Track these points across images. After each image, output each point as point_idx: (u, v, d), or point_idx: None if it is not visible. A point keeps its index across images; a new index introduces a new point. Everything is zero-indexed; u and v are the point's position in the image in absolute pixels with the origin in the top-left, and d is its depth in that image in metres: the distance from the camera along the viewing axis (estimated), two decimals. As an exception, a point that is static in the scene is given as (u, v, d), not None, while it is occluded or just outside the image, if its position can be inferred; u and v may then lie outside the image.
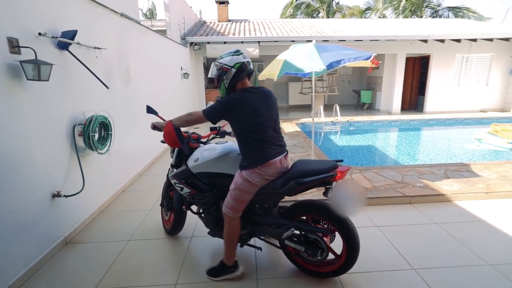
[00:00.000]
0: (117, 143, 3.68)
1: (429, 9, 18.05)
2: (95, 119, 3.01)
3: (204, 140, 2.59)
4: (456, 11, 17.24)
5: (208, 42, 9.28)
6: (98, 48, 3.36)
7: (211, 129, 2.61)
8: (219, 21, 12.67)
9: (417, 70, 11.38)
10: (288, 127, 8.25)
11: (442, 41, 9.73)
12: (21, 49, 2.24)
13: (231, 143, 2.29)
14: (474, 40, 9.78)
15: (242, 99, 1.90)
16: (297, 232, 2.04)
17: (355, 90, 12.97)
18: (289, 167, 2.03)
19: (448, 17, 17.13)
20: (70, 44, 2.76)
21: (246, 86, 1.99)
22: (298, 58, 4.23)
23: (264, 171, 1.91)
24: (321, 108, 9.07)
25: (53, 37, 2.60)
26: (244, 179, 1.94)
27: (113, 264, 2.43)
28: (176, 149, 2.51)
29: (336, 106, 8.60)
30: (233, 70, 1.93)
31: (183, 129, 2.19)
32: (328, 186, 1.90)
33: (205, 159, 2.21)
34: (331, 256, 2.07)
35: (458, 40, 9.75)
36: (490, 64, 10.53)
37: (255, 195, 2.01)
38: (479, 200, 3.41)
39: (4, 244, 2.08)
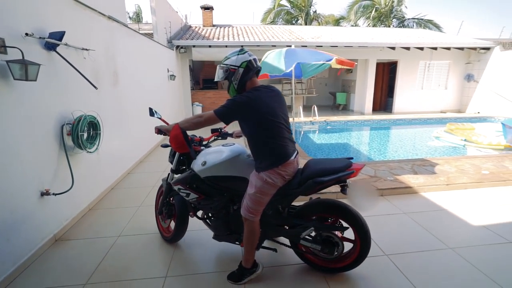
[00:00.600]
0: (106, 142, 3.55)
1: (396, 20, 18.71)
2: (84, 118, 2.89)
3: (205, 142, 2.36)
4: (419, 22, 18.00)
5: (194, 46, 9.14)
6: (86, 49, 3.23)
7: (212, 131, 2.42)
8: (204, 26, 12.50)
9: (386, 74, 11.76)
10: (270, 126, 8.28)
11: (408, 48, 10.13)
12: (8, 49, 2.11)
13: (238, 145, 2.10)
14: (435, 48, 10.26)
15: (257, 97, 1.73)
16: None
17: (331, 92, 13.24)
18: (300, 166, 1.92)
19: (412, 27, 17.83)
20: (58, 45, 2.64)
21: (256, 85, 1.83)
22: (271, 62, 4.58)
23: (284, 170, 1.78)
24: (301, 108, 9.19)
25: (40, 37, 2.47)
26: (264, 181, 1.77)
27: (103, 260, 2.35)
28: (177, 154, 2.22)
29: (314, 107, 8.73)
30: (241, 70, 1.77)
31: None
32: (344, 184, 1.82)
33: (213, 163, 1.97)
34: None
35: (421, 48, 10.18)
36: (448, 70, 11.08)
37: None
38: (441, 191, 3.59)
39: (-9, 243, 1.96)
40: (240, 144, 2.11)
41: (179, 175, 2.23)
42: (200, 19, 12.74)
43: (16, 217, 2.20)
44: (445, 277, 2.08)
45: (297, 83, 11.79)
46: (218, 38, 9.85)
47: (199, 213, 2.33)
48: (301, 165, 1.96)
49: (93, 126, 3.13)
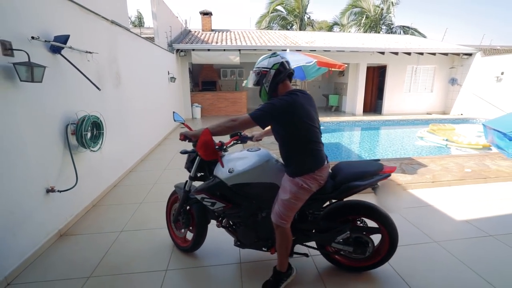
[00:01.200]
0: (108, 141, 3.53)
1: (385, 26, 18.85)
2: (87, 118, 2.87)
3: (225, 147, 2.07)
4: (405, 29, 18.21)
5: (193, 49, 9.11)
6: (90, 52, 3.20)
7: (232, 135, 2.19)
8: (203, 30, 12.46)
9: (376, 78, 11.85)
10: (266, 127, 8.29)
11: (396, 53, 10.21)
12: (14, 51, 2.08)
13: (264, 150, 1.91)
14: (421, 53, 10.36)
15: (295, 101, 1.59)
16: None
17: (324, 94, 13.30)
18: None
19: (400, 33, 17.98)
20: (63, 48, 2.61)
21: (289, 89, 1.70)
22: None
23: (319, 175, 1.68)
24: (295, 110, 9.20)
25: (46, 41, 2.44)
26: (300, 186, 1.65)
27: (106, 254, 2.34)
28: (197, 160, 1.98)
29: (308, 109, 8.74)
30: (272, 71, 1.65)
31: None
32: (375, 186, 1.77)
33: (242, 169, 1.78)
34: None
35: (409, 53, 10.27)
36: (434, 74, 11.19)
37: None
38: (427, 188, 3.63)
39: (-2, 238, 1.94)
40: (265, 149, 1.95)
41: (202, 183, 2.02)
42: (200, 24, 12.70)
43: (22, 213, 2.18)
44: (430, 269, 2.11)
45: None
46: (217, 42, 9.82)
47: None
48: None
49: (97, 126, 3.10)
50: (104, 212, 3.09)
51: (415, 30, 17.97)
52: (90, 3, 3.40)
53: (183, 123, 2.14)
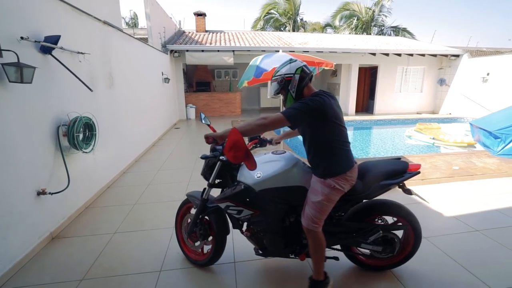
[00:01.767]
0: (101, 143, 3.49)
1: (376, 28, 19.05)
2: (79, 120, 2.82)
3: None
4: (396, 30, 18.44)
5: (187, 50, 9.05)
6: (82, 53, 3.15)
7: (251, 138, 2.10)
8: (197, 31, 12.39)
9: (368, 78, 11.97)
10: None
11: (387, 54, 10.34)
12: (3, 52, 2.03)
13: (289, 152, 1.84)
14: (411, 55, 10.51)
15: (325, 101, 1.54)
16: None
17: (317, 95, 13.34)
18: None
19: (390, 35, 18.20)
20: (53, 48, 2.57)
21: (313, 91, 1.65)
22: (251, 66, 4.97)
23: (350, 176, 1.64)
24: (289, 110, 9.22)
25: (36, 41, 2.40)
26: (332, 187, 1.60)
27: (99, 256, 2.31)
28: (217, 165, 1.81)
29: (301, 109, 8.78)
30: (297, 76, 1.61)
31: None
32: (401, 184, 1.77)
33: (272, 174, 1.69)
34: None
35: (399, 55, 10.42)
36: (423, 75, 11.37)
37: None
38: (417, 186, 3.69)
39: (-12, 241, 1.89)
40: (290, 151, 1.88)
41: (226, 190, 1.85)
42: (194, 25, 12.65)
43: (13, 216, 2.13)
44: (419, 263, 2.13)
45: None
46: (211, 43, 9.79)
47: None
48: None
49: (89, 127, 3.06)
50: (97, 214, 3.05)
51: (405, 29, 18.17)
52: (82, 3, 3.36)
53: (208, 125, 2.02)
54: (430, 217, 2.89)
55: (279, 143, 2.16)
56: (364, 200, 1.84)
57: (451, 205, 3.13)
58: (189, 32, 12.11)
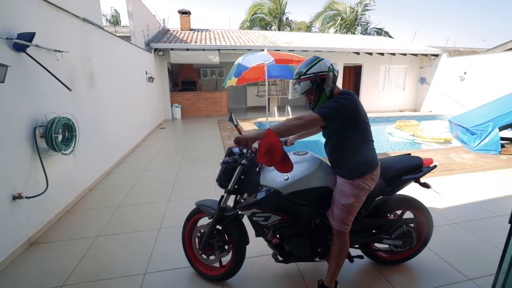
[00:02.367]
0: (83, 144, 3.38)
1: (360, 27, 19.47)
2: (58, 120, 2.72)
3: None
4: (379, 31, 18.97)
5: (172, 49, 8.90)
6: (59, 51, 3.03)
7: None
8: (181, 29, 12.20)
9: (353, 77, 12.24)
10: (246, 125, 8.30)
11: (371, 54, 10.58)
12: (-29, 49, 1.93)
13: (310, 152, 1.79)
14: (394, 54, 10.82)
15: (356, 100, 1.51)
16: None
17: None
18: None
19: (374, 35, 18.67)
20: (28, 46, 2.45)
21: (340, 90, 1.61)
22: (234, 65, 5.17)
23: (375, 175, 1.64)
24: (275, 109, 9.30)
25: (7, 38, 2.28)
26: (361, 188, 1.59)
27: (81, 260, 2.24)
28: (238, 169, 1.67)
29: (288, 107, 8.87)
30: (331, 74, 1.55)
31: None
32: (419, 179, 1.81)
33: (299, 175, 1.63)
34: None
35: (382, 54, 10.69)
36: (405, 74, 11.73)
37: None
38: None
39: (-42, 250, 1.79)
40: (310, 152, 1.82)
41: (248, 197, 1.75)
42: (178, 23, 12.43)
43: (-14, 222, 2.03)
44: (401, 257, 2.21)
45: (272, 84, 11.90)
46: (196, 42, 9.67)
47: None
48: None
49: (69, 128, 2.95)
50: (78, 218, 2.95)
51: (387, 33, 18.78)
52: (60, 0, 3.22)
53: (236, 126, 1.87)
54: (411, 211, 2.99)
55: (293, 144, 2.10)
56: (380, 197, 1.85)
57: (431, 199, 3.25)
58: (174, 31, 11.91)
